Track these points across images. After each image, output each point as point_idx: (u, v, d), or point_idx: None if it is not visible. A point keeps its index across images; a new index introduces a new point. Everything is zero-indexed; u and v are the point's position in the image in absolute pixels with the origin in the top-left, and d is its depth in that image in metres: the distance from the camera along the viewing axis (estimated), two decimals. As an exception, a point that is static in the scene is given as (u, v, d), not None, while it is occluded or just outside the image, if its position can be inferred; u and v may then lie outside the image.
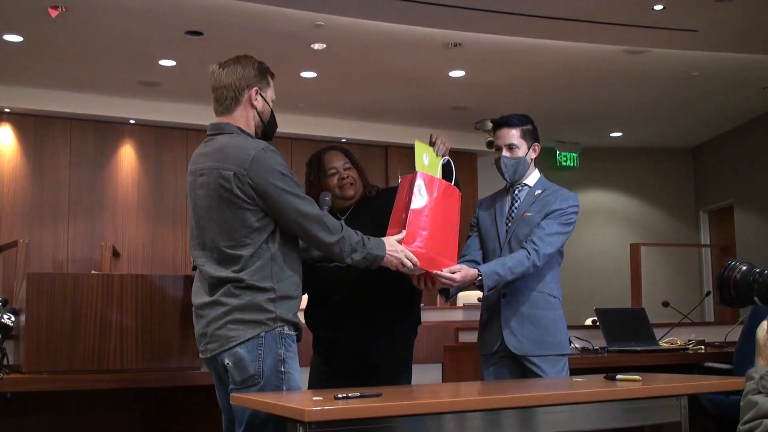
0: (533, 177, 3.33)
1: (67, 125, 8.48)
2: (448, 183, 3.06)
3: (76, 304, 3.05)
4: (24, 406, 3.11)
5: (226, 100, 2.71)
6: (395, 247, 2.76)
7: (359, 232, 2.70)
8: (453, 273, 2.98)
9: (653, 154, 11.14)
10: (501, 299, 3.21)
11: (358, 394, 2.23)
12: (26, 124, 8.34)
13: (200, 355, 2.65)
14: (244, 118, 2.72)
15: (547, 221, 3.19)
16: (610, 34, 6.79)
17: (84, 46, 6.96)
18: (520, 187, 3.32)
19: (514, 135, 3.27)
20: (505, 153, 3.28)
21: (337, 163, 3.32)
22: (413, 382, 3.27)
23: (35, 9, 6.05)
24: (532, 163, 3.33)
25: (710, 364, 4.36)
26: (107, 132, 8.68)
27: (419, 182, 2.94)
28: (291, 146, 9.49)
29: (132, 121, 8.69)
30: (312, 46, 6.98)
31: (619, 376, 2.74)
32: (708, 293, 8.05)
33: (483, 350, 3.31)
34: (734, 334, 4.70)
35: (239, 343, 2.50)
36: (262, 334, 2.51)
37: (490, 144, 9.51)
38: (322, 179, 3.27)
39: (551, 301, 3.23)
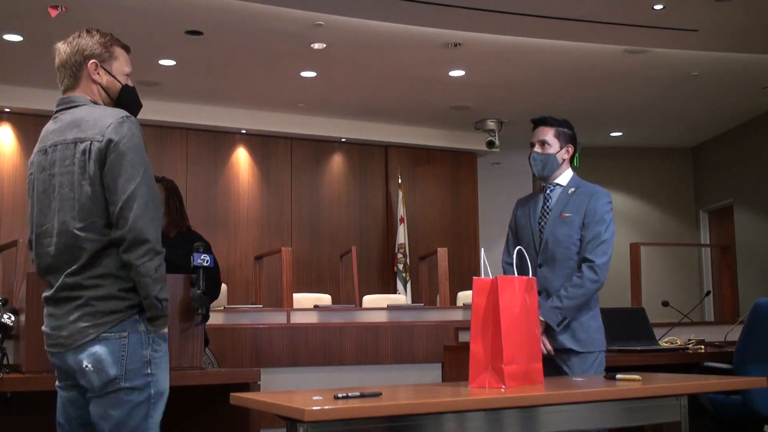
0: (566, 176, 3.39)
1: (67, 125, 8.47)
2: (526, 277, 2.76)
3: (76, 303, 3.03)
4: (24, 406, 3.11)
5: (65, 77, 2.53)
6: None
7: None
8: (546, 348, 3.12)
9: (653, 154, 11.14)
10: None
11: (358, 393, 2.23)
12: (26, 124, 8.33)
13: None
14: (90, 93, 2.53)
15: (588, 231, 3.23)
16: (610, 34, 6.79)
17: (84, 46, 6.96)
18: (552, 187, 3.38)
19: (547, 132, 3.36)
20: (537, 149, 3.36)
21: None
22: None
23: (35, 9, 6.05)
24: (564, 163, 3.38)
25: (710, 364, 4.36)
26: (107, 132, 8.67)
27: (502, 290, 2.60)
28: (291, 146, 9.49)
29: (132, 121, 8.69)
30: (312, 45, 6.98)
31: (619, 376, 2.74)
32: (708, 293, 8.03)
33: None
34: (734, 333, 4.70)
35: None
36: None
37: (490, 144, 9.51)
38: None
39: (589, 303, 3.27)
